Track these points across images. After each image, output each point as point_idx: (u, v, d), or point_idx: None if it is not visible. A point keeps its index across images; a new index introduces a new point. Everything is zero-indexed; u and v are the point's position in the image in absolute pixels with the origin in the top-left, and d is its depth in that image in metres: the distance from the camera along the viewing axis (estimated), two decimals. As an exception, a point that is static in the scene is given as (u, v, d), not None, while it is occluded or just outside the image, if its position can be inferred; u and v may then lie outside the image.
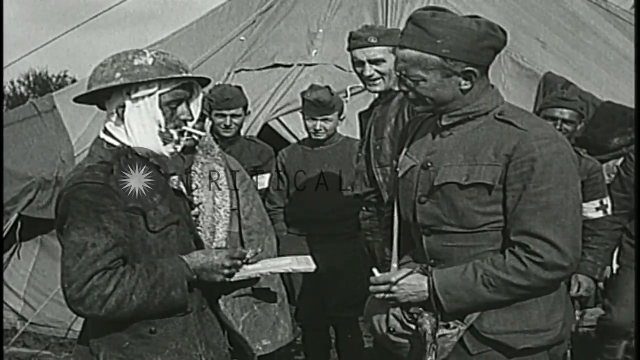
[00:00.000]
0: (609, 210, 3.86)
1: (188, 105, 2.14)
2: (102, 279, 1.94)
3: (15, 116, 6.55)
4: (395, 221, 2.35)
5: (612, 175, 5.14)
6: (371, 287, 2.20)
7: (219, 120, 4.39)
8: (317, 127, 4.16)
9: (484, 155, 2.13)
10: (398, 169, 2.33)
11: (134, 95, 2.06)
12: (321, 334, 4.47)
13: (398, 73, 2.20)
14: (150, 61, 2.07)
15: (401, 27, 2.27)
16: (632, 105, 5.04)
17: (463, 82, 2.15)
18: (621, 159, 5.19)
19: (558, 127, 3.79)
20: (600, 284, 4.51)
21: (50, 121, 6.33)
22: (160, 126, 2.09)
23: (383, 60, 3.33)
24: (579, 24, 6.58)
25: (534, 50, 6.01)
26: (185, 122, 2.13)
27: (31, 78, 30.24)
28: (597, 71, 6.00)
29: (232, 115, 4.37)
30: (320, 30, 6.06)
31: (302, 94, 4.27)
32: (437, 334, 2.13)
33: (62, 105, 6.39)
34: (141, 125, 2.08)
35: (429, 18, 2.13)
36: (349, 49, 3.46)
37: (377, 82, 3.37)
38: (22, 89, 29.85)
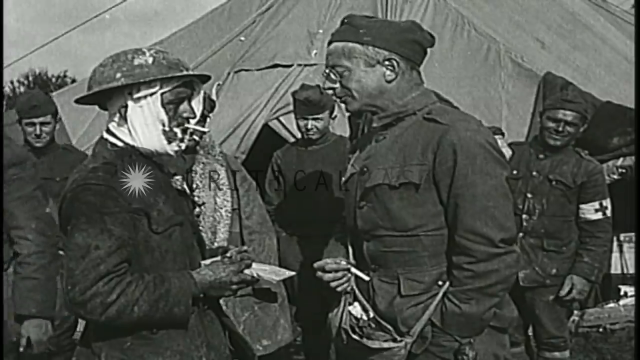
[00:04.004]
0: (608, 212, 3.85)
1: (190, 103, 2.13)
2: (106, 286, 1.93)
3: (15, 116, 6.54)
4: (348, 232, 2.39)
5: (612, 175, 5.16)
6: None
7: (29, 129, 4.26)
8: (309, 127, 4.17)
9: (412, 155, 2.17)
10: (343, 178, 2.38)
11: (135, 95, 2.05)
12: (322, 334, 4.47)
13: (327, 70, 2.26)
14: (150, 60, 2.06)
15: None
16: (632, 106, 5.04)
17: (387, 72, 2.20)
18: (621, 159, 5.21)
19: (560, 128, 3.79)
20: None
21: (50, 121, 6.32)
22: (163, 125, 2.08)
23: None
24: (579, 24, 6.59)
25: (534, 51, 6.02)
26: (188, 119, 2.12)
27: (31, 78, 30.24)
28: (596, 71, 6.01)
29: (42, 124, 4.27)
30: (320, 31, 6.07)
31: (293, 93, 4.28)
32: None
33: (62, 106, 6.37)
34: (144, 124, 2.06)
35: (358, 17, 2.25)
36: None
37: None
38: (22, 89, 29.85)
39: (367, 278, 2.26)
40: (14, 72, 30.20)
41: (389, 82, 2.20)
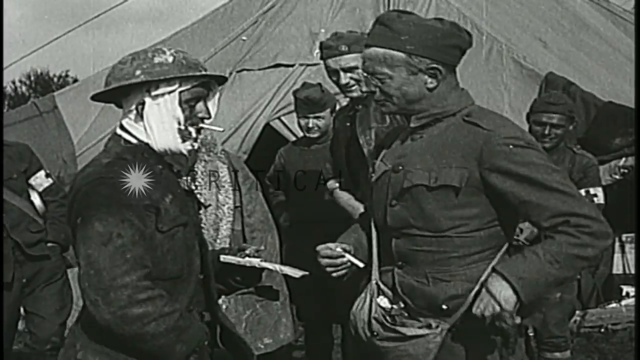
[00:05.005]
0: (597, 199, 3.84)
1: (205, 103, 2.15)
2: (140, 283, 1.90)
3: (17, 116, 6.55)
4: (373, 227, 2.36)
5: (614, 176, 5.16)
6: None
7: None
8: (310, 125, 4.17)
9: (452, 157, 2.14)
10: (373, 175, 2.35)
11: (154, 93, 2.07)
12: (323, 334, 4.47)
13: (365, 73, 2.22)
14: (170, 59, 2.09)
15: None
16: (634, 106, 5.04)
17: (429, 80, 2.17)
18: (623, 159, 5.20)
19: (547, 132, 3.78)
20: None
21: (51, 121, 6.34)
22: (179, 123, 2.10)
23: (356, 67, 3.34)
24: (581, 24, 6.59)
25: (536, 51, 6.02)
26: (202, 119, 2.14)
27: (33, 78, 30.27)
28: (598, 72, 6.00)
29: None
30: (322, 30, 6.07)
31: (294, 92, 4.29)
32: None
33: (63, 105, 6.40)
34: (160, 122, 2.08)
35: (395, 17, 2.18)
36: (322, 58, 3.47)
37: (353, 88, 3.39)
38: (24, 88, 29.89)
39: (361, 265, 2.26)
40: (15, 72, 30.20)
41: (431, 89, 2.18)
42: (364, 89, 2.23)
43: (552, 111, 3.81)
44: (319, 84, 4.26)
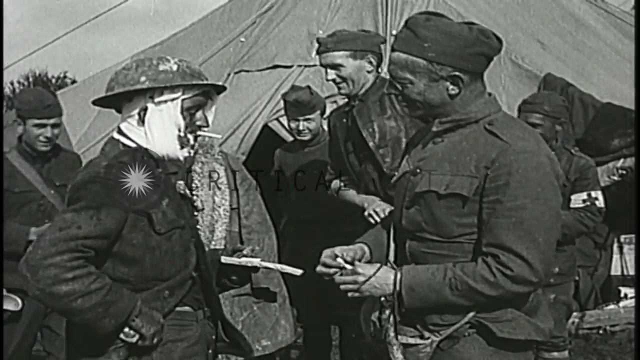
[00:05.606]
0: (598, 203, 3.84)
1: (204, 111, 2.22)
2: (68, 263, 1.95)
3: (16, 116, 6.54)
4: (392, 226, 2.37)
5: (612, 177, 5.16)
6: (337, 278, 2.20)
7: (37, 131, 3.76)
8: (300, 128, 4.17)
9: (466, 166, 2.13)
10: (396, 173, 2.35)
11: (157, 99, 2.14)
12: (322, 335, 4.47)
13: (391, 79, 2.23)
14: (174, 67, 2.15)
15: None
16: (632, 107, 5.04)
17: (450, 87, 2.15)
18: (621, 161, 5.20)
19: None
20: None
21: (50, 122, 6.32)
22: (179, 130, 2.17)
23: (341, 65, 3.36)
24: (579, 25, 6.59)
25: (534, 52, 6.02)
26: (200, 127, 2.21)
27: (31, 79, 30.26)
28: (597, 72, 6.01)
29: (54, 125, 3.80)
30: (321, 32, 6.06)
31: (283, 95, 4.29)
32: (397, 335, 2.17)
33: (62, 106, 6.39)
34: (162, 128, 2.15)
35: (422, 22, 2.16)
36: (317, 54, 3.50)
37: (341, 85, 3.41)
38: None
39: None
40: (14, 73, 30.21)
41: (452, 96, 2.16)
42: (386, 91, 2.20)
43: (528, 110, 3.82)
44: (308, 86, 4.26)
